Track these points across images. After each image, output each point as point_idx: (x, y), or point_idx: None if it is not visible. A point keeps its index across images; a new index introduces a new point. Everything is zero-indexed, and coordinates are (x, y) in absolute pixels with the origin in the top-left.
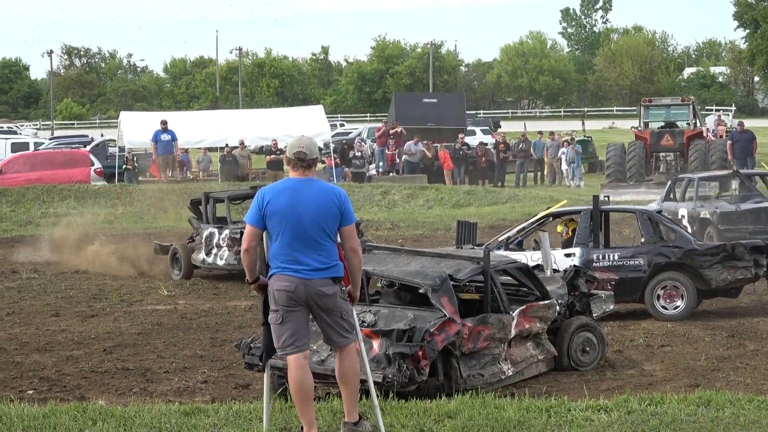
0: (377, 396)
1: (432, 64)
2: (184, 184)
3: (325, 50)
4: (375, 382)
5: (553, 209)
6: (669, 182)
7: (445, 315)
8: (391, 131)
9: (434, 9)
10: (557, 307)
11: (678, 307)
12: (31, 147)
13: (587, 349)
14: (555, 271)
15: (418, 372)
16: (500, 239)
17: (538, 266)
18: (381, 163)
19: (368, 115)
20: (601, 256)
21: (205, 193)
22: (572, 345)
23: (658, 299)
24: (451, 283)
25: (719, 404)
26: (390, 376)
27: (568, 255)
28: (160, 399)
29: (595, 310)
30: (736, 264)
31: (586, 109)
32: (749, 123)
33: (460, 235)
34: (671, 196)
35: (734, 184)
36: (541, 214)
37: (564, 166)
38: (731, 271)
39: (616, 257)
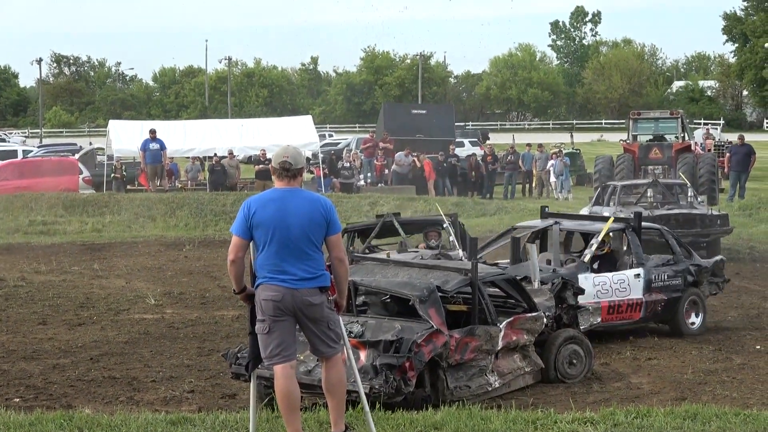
0: (365, 404)
1: (421, 75)
2: (172, 194)
3: (315, 60)
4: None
5: (609, 226)
6: (600, 188)
7: (432, 326)
8: (382, 144)
9: (424, 21)
10: (544, 320)
11: (695, 323)
12: (20, 155)
13: (574, 361)
14: (542, 283)
15: (404, 383)
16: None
17: (525, 278)
18: (369, 174)
19: (357, 125)
20: (657, 276)
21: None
22: (559, 358)
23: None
24: (439, 294)
25: (706, 418)
26: (377, 387)
27: (636, 276)
28: (147, 408)
29: (583, 323)
30: (714, 280)
31: (574, 121)
32: (737, 137)
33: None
34: (600, 201)
35: (651, 191)
36: (602, 233)
37: (552, 179)
38: (711, 286)
39: (666, 277)
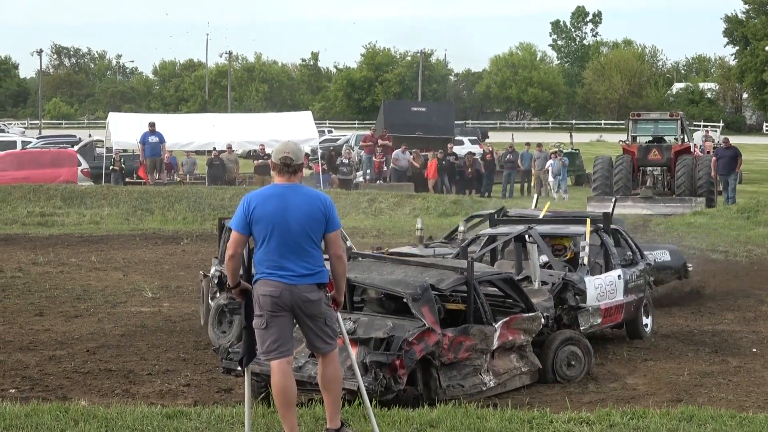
0: (366, 400)
1: (421, 72)
2: (170, 187)
3: (315, 56)
4: (350, 390)
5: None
6: None
7: (424, 325)
8: (380, 141)
9: (425, 18)
10: (542, 320)
11: (647, 325)
12: (19, 146)
13: (573, 363)
14: (544, 283)
15: (395, 381)
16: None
17: (526, 278)
18: (368, 171)
19: (356, 122)
20: (630, 277)
21: (220, 219)
22: (557, 360)
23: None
24: (434, 293)
25: (701, 420)
26: (366, 384)
27: (619, 277)
28: (143, 401)
29: (583, 324)
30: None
31: (574, 121)
32: (737, 140)
33: None
34: None
35: None
36: (587, 235)
37: (550, 178)
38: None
39: (635, 277)
